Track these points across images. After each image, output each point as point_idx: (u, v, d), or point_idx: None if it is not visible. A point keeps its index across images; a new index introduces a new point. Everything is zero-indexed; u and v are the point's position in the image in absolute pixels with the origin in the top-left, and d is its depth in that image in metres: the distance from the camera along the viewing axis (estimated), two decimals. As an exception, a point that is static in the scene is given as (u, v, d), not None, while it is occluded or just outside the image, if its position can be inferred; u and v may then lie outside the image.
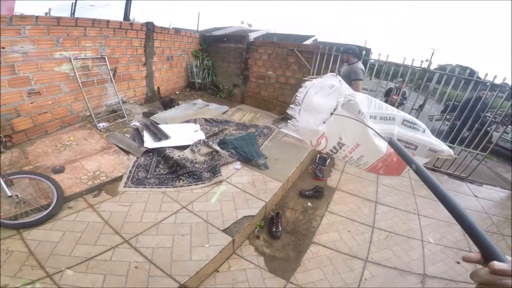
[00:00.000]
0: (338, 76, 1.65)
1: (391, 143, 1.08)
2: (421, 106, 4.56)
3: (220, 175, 3.21)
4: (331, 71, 4.46)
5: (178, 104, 4.95)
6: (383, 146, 1.39)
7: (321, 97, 1.51)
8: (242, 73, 5.89)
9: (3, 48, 2.99)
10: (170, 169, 3.25)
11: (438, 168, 4.27)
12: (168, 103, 4.82)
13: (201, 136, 3.88)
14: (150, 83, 5.13)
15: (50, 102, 3.63)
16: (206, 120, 4.45)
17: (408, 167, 1.32)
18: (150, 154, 3.46)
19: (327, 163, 3.99)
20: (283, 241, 2.70)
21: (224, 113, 5.06)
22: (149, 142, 3.57)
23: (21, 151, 3.22)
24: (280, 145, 4.07)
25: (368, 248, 2.71)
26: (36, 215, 2.31)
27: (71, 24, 3.62)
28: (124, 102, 4.49)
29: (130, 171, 3.11)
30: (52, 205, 2.38)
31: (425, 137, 1.45)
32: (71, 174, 2.91)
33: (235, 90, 6.13)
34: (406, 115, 1.47)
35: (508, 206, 3.82)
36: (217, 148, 3.56)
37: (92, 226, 2.30)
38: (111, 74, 4.21)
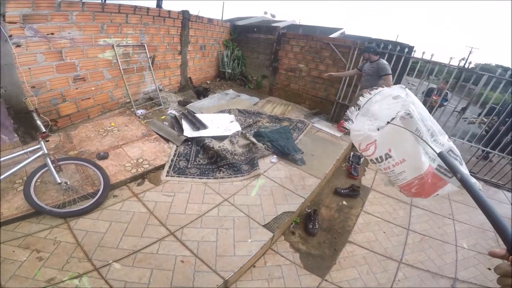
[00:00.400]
0: (406, 89, 1.61)
1: (440, 155, 1.06)
2: (464, 109, 4.21)
3: (258, 168, 3.11)
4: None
5: (213, 93, 4.81)
6: (426, 164, 1.44)
7: (382, 106, 1.46)
8: (272, 65, 5.67)
9: (52, 34, 2.91)
10: (210, 159, 3.17)
11: (475, 173, 4.00)
12: (202, 92, 4.71)
13: (237, 127, 3.77)
14: (184, 72, 5.00)
15: (93, 88, 3.57)
16: (239, 111, 4.32)
17: (436, 192, 1.56)
18: (189, 143, 3.38)
19: (362, 161, 3.81)
20: (318, 238, 2.61)
21: (255, 104, 4.91)
22: (188, 131, 3.48)
23: (66, 135, 3.20)
24: (315, 140, 3.91)
25: (402, 250, 2.60)
26: (83, 203, 2.26)
27: (115, 10, 3.50)
28: (160, 90, 4.39)
29: (172, 160, 3.05)
30: (99, 193, 2.33)
31: (462, 168, 1.38)
32: (115, 160, 2.87)
33: (263, 82, 5.93)
34: (453, 146, 1.51)
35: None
36: (254, 140, 3.44)
37: (138, 217, 2.25)
38: (150, 62, 4.10)
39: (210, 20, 5.27)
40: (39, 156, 2.26)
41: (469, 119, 5.62)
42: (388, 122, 1.38)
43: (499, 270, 0.44)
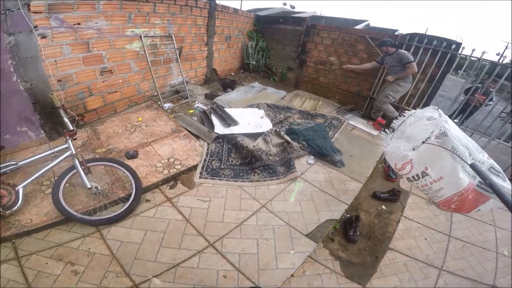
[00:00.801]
0: (439, 110, 1.66)
1: (472, 166, 1.10)
2: None
3: (295, 170, 2.80)
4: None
5: (241, 85, 4.45)
6: (465, 181, 1.53)
7: (417, 127, 1.57)
8: (299, 57, 5.22)
9: (79, 24, 2.60)
10: (244, 159, 2.86)
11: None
12: (229, 84, 4.36)
13: (267, 123, 3.42)
14: (209, 64, 4.65)
15: (120, 81, 3.28)
16: (268, 105, 3.96)
17: (477, 208, 1.63)
18: (220, 140, 3.07)
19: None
20: (359, 245, 2.31)
21: (282, 98, 4.53)
22: (219, 127, 3.16)
23: (93, 130, 2.96)
24: (352, 139, 3.53)
25: (444, 257, 2.32)
26: (114, 209, 2.03)
27: None
28: (186, 83, 4.06)
29: (205, 160, 2.76)
30: (131, 199, 2.09)
31: (506, 184, 1.55)
32: (145, 160, 2.60)
33: (289, 74, 5.50)
34: (494, 163, 1.62)
35: None
36: (289, 139, 3.09)
37: (174, 225, 2.03)
38: (177, 53, 3.76)
39: (235, 10, 4.84)
40: (66, 157, 2.04)
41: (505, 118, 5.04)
42: (423, 142, 1.47)
43: None
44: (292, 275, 1.88)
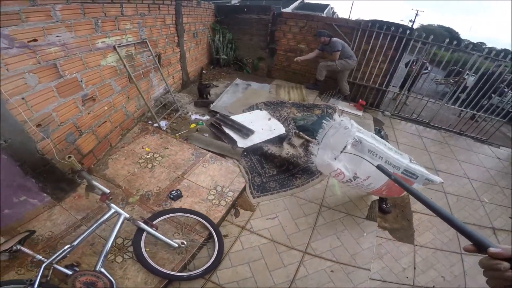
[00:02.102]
0: (352, 121, 1.94)
1: (378, 167, 1.31)
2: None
3: (327, 164, 2.99)
4: (372, 47, 4.32)
5: (215, 86, 4.07)
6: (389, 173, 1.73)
7: (336, 138, 1.83)
8: (268, 46, 5.07)
9: (35, 40, 1.85)
10: (280, 168, 2.85)
11: (464, 132, 4.76)
12: (204, 89, 3.83)
13: (277, 124, 3.41)
14: (184, 66, 4.02)
15: (106, 108, 2.58)
16: (265, 104, 3.86)
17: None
18: (245, 153, 2.92)
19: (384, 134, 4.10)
20: (392, 214, 2.82)
21: (270, 92, 4.45)
22: (240, 140, 2.97)
23: (103, 178, 2.34)
24: None
25: (449, 210, 3.02)
26: (203, 255, 1.94)
27: (107, 0, 2.42)
28: (167, 92, 3.51)
29: (249, 179, 2.63)
30: (216, 241, 1.97)
31: (423, 170, 2.00)
32: (193, 197, 2.31)
33: (260, 64, 5.32)
34: (410, 166, 1.97)
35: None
36: (308, 137, 3.22)
37: (265, 249, 2.06)
38: (157, 61, 3.14)
39: (198, 3, 4.20)
40: (123, 223, 1.68)
41: (439, 81, 6.54)
42: (341, 151, 1.78)
43: (481, 264, 0.47)
44: (362, 249, 2.19)
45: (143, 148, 2.72)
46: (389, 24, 4.16)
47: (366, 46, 4.40)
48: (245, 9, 4.90)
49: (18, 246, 1.44)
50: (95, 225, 1.62)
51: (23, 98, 1.79)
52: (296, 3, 8.03)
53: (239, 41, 5.26)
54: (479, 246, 0.49)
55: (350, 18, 6.17)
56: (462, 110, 4.85)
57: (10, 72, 1.69)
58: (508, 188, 3.62)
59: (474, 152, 4.39)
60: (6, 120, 1.68)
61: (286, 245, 2.10)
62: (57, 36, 1.98)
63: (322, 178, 2.84)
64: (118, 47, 2.58)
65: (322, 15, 7.62)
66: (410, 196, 2.98)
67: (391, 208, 2.83)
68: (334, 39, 4.22)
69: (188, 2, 3.87)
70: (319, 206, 2.51)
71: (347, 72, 4.50)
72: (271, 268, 1.92)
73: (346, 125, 1.79)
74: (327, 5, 7.89)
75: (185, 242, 1.82)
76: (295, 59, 4.52)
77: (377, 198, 2.70)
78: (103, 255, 1.56)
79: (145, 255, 1.71)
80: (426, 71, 4.89)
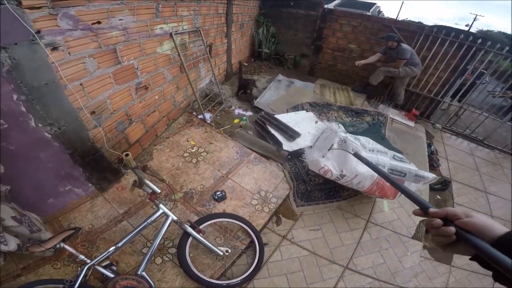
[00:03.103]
0: (339, 124, 2.13)
1: (355, 155, 1.39)
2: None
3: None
4: (433, 54, 3.87)
5: (255, 86, 3.82)
6: (374, 174, 1.92)
7: (327, 140, 1.96)
8: (314, 43, 4.74)
9: (99, 23, 1.72)
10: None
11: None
12: (246, 85, 3.63)
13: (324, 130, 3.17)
14: (229, 57, 3.85)
15: (157, 97, 2.48)
16: (310, 104, 3.60)
17: (400, 193, 1.82)
18: (289, 156, 2.72)
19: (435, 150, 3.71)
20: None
21: (314, 91, 4.18)
22: (286, 143, 2.76)
23: (147, 170, 2.25)
24: (398, 135, 3.54)
25: None
26: (242, 262, 1.84)
27: None
28: (211, 83, 3.36)
29: (293, 186, 2.44)
30: (257, 249, 1.83)
31: (411, 166, 2.03)
32: (237, 200, 2.16)
33: (302, 61, 5.02)
34: (395, 153, 2.10)
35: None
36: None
37: (305, 261, 1.96)
38: (207, 51, 2.99)
39: None
40: (169, 225, 1.57)
41: (497, 93, 5.85)
42: (328, 149, 1.89)
43: (424, 224, 0.45)
44: (403, 268, 2.11)
45: (188, 141, 2.61)
46: (458, 31, 3.66)
47: (427, 52, 3.92)
48: (292, 3, 4.56)
49: (62, 244, 1.37)
50: (142, 225, 1.53)
51: (81, 84, 1.70)
52: (337, 1, 7.47)
53: (282, 35, 4.95)
54: (423, 209, 0.57)
55: (398, 19, 5.60)
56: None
57: (72, 55, 1.59)
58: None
59: None
60: (62, 106, 1.60)
61: (327, 259, 2.00)
62: (119, 20, 1.86)
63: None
64: (174, 34, 2.44)
65: (368, 13, 7.05)
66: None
67: None
68: (404, 45, 3.80)
69: (238, -8, 3.64)
70: (365, 221, 2.37)
71: (407, 79, 4.08)
72: (309, 281, 1.83)
73: (334, 128, 1.93)
74: (373, 4, 7.24)
75: (229, 251, 1.69)
76: (356, 63, 4.12)
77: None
78: (146, 258, 1.46)
79: (189, 261, 1.61)
80: (485, 82, 4.32)
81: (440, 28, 3.77)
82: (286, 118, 3.10)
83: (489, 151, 4.25)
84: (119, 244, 1.41)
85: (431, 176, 2.03)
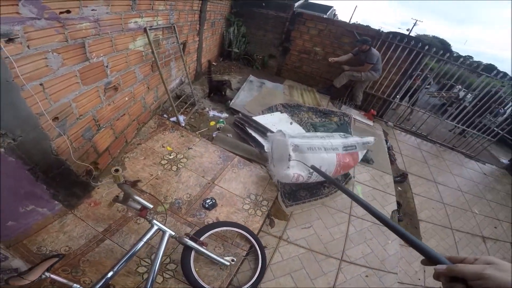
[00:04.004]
0: (282, 130, 2.23)
1: (312, 167, 1.77)
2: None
3: (351, 176, 2.96)
4: (388, 58, 4.35)
5: (230, 88, 3.72)
6: (333, 156, 2.23)
7: (279, 149, 2.12)
8: (282, 45, 4.86)
9: (68, 12, 1.49)
10: (308, 176, 2.74)
11: (456, 147, 5.02)
12: (217, 87, 3.49)
13: (300, 129, 3.29)
14: (199, 56, 3.66)
15: (127, 99, 2.23)
16: (283, 105, 3.69)
17: (359, 160, 2.52)
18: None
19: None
20: (403, 222, 2.95)
21: (283, 92, 4.27)
22: (266, 144, 2.78)
23: (136, 186, 2.02)
24: (361, 134, 3.79)
25: (448, 220, 3.24)
26: (245, 268, 1.81)
27: None
28: (181, 83, 3.18)
29: (280, 187, 2.48)
30: (260, 256, 1.81)
31: (357, 138, 2.44)
32: (228, 206, 2.11)
33: (270, 61, 5.08)
34: (339, 133, 2.45)
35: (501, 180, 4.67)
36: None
37: (304, 258, 2.05)
38: (181, 49, 2.81)
39: None
40: (167, 242, 1.43)
41: (432, 94, 6.80)
42: (289, 160, 2.03)
43: (433, 276, 0.50)
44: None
45: (163, 146, 2.42)
46: (410, 38, 4.20)
47: (383, 56, 4.38)
48: (263, 3, 4.62)
49: (48, 274, 1.15)
50: (139, 246, 1.35)
51: (41, 84, 1.42)
52: (299, 2, 7.85)
53: (251, 35, 4.98)
54: (431, 261, 0.53)
55: (352, 22, 6.15)
56: (455, 126, 5.14)
57: (32, 49, 1.31)
58: (493, 202, 3.98)
59: (465, 167, 4.69)
60: (18, 112, 1.32)
61: (323, 254, 2.11)
62: (92, 10, 1.61)
63: (347, 187, 2.81)
64: (149, 29, 2.23)
65: (325, 16, 7.54)
66: (416, 205, 3.28)
67: (403, 217, 2.96)
68: (374, 50, 4.11)
69: (211, -12, 3.52)
70: (348, 215, 2.55)
71: (367, 83, 4.47)
72: (313, 277, 1.93)
73: (280, 136, 2.03)
74: (330, 7, 7.81)
75: (235, 259, 1.64)
76: (329, 59, 4.33)
77: (396, 208, 2.85)
78: (150, 280, 1.31)
79: (196, 276, 1.50)
80: (428, 86, 5.06)
81: (395, 34, 4.27)
82: (263, 119, 3.12)
83: (432, 145, 4.99)
84: (116, 268, 1.23)
85: (372, 139, 2.47)
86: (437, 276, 0.49)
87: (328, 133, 2.45)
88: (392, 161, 3.91)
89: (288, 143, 2.03)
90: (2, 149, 1.30)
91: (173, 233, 1.45)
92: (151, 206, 1.41)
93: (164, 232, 1.41)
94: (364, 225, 2.48)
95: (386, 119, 5.09)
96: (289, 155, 2.02)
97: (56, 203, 1.66)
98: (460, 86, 6.01)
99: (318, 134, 2.38)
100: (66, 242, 1.57)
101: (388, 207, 2.80)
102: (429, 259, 0.52)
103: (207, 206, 2.01)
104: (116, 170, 1.31)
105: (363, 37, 4.13)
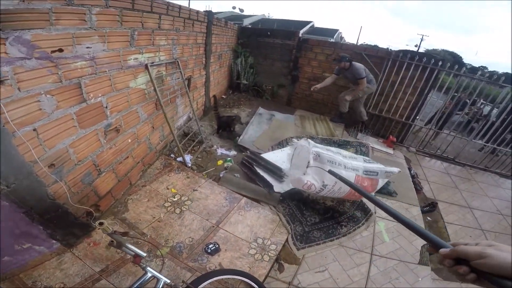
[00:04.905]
0: (308, 139, 2.29)
1: (330, 172, 1.59)
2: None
3: (371, 211, 2.65)
4: (402, 78, 4.16)
5: (240, 123, 3.60)
6: (351, 176, 2.11)
7: (300, 156, 2.09)
8: (291, 73, 4.85)
9: (60, 51, 1.44)
10: (323, 215, 2.47)
11: (488, 168, 4.56)
12: (227, 123, 3.38)
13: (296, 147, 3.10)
14: (207, 90, 3.70)
15: (129, 141, 2.17)
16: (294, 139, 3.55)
17: (377, 188, 2.32)
18: (281, 198, 2.53)
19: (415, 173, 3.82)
20: (436, 254, 2.54)
21: (295, 124, 4.13)
22: (276, 184, 2.57)
23: (123, 224, 1.91)
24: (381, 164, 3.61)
25: None
26: None
27: (147, 8, 2.07)
28: (189, 120, 3.14)
29: (291, 229, 2.23)
30: None
31: (380, 166, 2.35)
32: (233, 251, 1.90)
33: (280, 91, 5.06)
34: (364, 156, 2.39)
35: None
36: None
37: None
38: (186, 85, 2.80)
39: (226, 23, 3.99)
40: None
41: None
42: (307, 167, 2.01)
43: (438, 262, 0.59)
44: None
45: (168, 188, 2.30)
46: (421, 55, 4.02)
47: (396, 77, 4.21)
48: (269, 33, 4.70)
49: None
50: None
51: (34, 130, 1.37)
52: (306, 28, 8.05)
53: (259, 66, 5.03)
54: (435, 247, 0.53)
55: (358, 44, 6.08)
56: (484, 145, 4.67)
57: (23, 92, 1.27)
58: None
59: (502, 188, 4.20)
60: (10, 159, 1.26)
61: None
62: (87, 47, 1.60)
63: (368, 225, 2.55)
64: (150, 66, 2.23)
65: (332, 40, 7.59)
66: (450, 235, 2.90)
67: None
68: (356, 64, 3.92)
69: (218, 22, 3.62)
70: (370, 255, 2.28)
71: (365, 97, 4.26)
72: None
73: (305, 144, 2.04)
74: (336, 30, 7.94)
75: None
76: (312, 88, 4.21)
77: (425, 242, 2.44)
78: None
79: None
80: (459, 112, 4.70)
81: (405, 52, 4.11)
82: (272, 156, 2.94)
83: (461, 168, 4.53)
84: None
85: (396, 170, 2.37)
86: (442, 260, 0.50)
87: (353, 154, 2.37)
88: (418, 190, 3.53)
89: (311, 151, 2.03)
90: (-2, 195, 1.23)
91: (168, 281, 1.31)
92: (145, 254, 1.31)
93: (158, 280, 1.28)
94: (388, 264, 2.22)
95: (407, 145, 4.74)
96: (309, 162, 2.02)
97: (54, 242, 1.59)
98: (483, 101, 5.55)
99: (343, 152, 2.33)
100: (62, 279, 1.51)
101: (416, 242, 2.48)
102: (435, 245, 0.53)
103: (209, 251, 1.81)
104: (101, 224, 1.20)
105: (340, 54, 3.98)
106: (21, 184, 1.33)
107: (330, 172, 1.57)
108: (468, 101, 4.93)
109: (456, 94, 4.39)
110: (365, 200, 2.81)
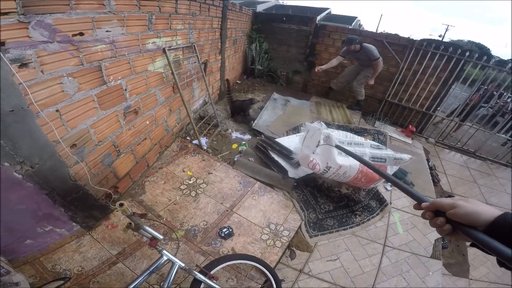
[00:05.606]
0: (321, 122, 2.27)
1: (337, 146, 1.61)
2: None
3: (387, 202, 2.58)
4: (425, 68, 3.92)
5: (253, 103, 3.49)
6: (357, 163, 2.07)
7: (313, 138, 2.10)
8: (307, 59, 4.69)
9: (81, 34, 1.42)
10: (338, 203, 2.44)
11: (510, 164, 4.31)
12: (241, 108, 3.32)
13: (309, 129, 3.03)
14: (223, 75, 3.64)
15: (148, 122, 2.18)
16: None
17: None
18: (295, 184, 2.51)
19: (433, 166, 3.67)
20: (448, 249, 2.53)
21: (310, 110, 4.03)
22: (291, 169, 2.54)
23: (140, 206, 1.95)
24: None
25: None
26: None
27: None
28: (205, 104, 3.12)
29: (304, 216, 2.22)
30: None
31: (389, 152, 2.30)
32: (245, 236, 1.90)
33: (295, 77, 4.93)
34: (372, 142, 2.37)
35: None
36: (364, 166, 2.81)
37: None
38: (202, 69, 2.76)
39: (240, 8, 3.84)
40: (176, 273, 1.31)
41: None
42: (317, 146, 2.03)
43: (423, 217, 0.57)
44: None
45: (184, 171, 2.32)
46: (447, 45, 3.76)
47: (418, 66, 3.98)
48: (284, 18, 4.51)
49: None
50: (145, 274, 1.24)
51: (57, 111, 1.38)
52: (323, 14, 7.70)
53: (274, 51, 4.88)
54: (418, 202, 0.59)
55: (377, 31, 5.76)
56: (508, 140, 4.39)
57: (46, 74, 1.28)
58: None
59: None
60: (34, 140, 1.28)
61: None
62: (107, 31, 1.58)
63: (382, 215, 2.50)
64: (168, 50, 2.20)
65: (350, 27, 7.24)
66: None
67: (447, 243, 2.57)
68: (368, 45, 3.70)
69: (233, 6, 3.50)
70: (382, 246, 2.25)
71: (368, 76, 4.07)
72: None
73: (318, 127, 2.06)
74: (355, 17, 7.53)
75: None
76: (316, 69, 4.02)
77: (439, 236, 2.47)
78: None
79: None
80: (484, 105, 4.42)
81: (430, 42, 3.85)
82: (287, 141, 2.89)
83: (481, 162, 4.31)
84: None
85: (407, 157, 2.27)
86: (424, 213, 0.55)
87: (359, 138, 2.40)
88: (436, 182, 3.40)
89: (321, 132, 2.05)
90: (20, 175, 1.27)
91: (183, 265, 1.33)
92: (161, 237, 1.31)
93: (173, 263, 1.30)
94: (401, 256, 2.19)
95: (427, 135, 4.54)
96: (319, 141, 2.05)
97: (74, 225, 1.63)
98: (509, 94, 5.22)
99: (349, 136, 2.39)
100: (80, 262, 1.55)
101: (430, 235, 2.44)
102: (418, 200, 0.59)
103: (223, 235, 1.83)
104: (121, 205, 1.20)
105: (348, 37, 3.75)
106: (45, 164, 1.36)
107: (337, 146, 1.60)
108: (495, 93, 4.62)
109: (482, 86, 4.10)
110: (381, 190, 2.75)
